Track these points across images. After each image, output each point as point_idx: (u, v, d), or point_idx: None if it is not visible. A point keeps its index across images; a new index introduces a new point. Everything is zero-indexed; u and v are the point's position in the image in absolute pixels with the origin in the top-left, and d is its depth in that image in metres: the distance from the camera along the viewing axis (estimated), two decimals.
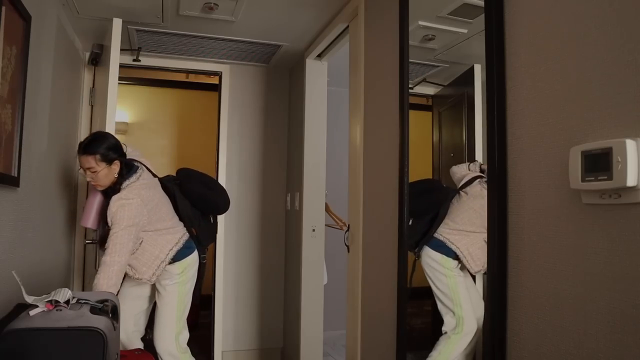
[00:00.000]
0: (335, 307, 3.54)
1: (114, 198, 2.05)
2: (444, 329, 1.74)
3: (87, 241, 2.89)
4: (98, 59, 3.05)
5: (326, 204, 3.37)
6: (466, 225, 1.74)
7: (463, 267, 1.73)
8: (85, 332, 1.38)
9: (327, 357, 3.68)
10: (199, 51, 3.28)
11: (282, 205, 3.66)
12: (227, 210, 2.55)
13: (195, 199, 2.39)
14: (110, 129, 2.36)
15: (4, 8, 1.56)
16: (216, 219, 2.58)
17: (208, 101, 4.28)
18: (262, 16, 2.72)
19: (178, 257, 2.24)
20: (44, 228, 2.30)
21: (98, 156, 2.06)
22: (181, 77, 4.59)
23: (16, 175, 1.77)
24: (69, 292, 1.58)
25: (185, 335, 2.34)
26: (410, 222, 1.89)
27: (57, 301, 1.50)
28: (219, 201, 2.50)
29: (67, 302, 1.54)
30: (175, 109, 4.90)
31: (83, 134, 3.15)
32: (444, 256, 1.77)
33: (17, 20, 1.73)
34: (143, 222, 2.08)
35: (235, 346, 3.48)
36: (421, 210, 1.90)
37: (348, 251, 2.44)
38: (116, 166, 2.10)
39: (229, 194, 2.55)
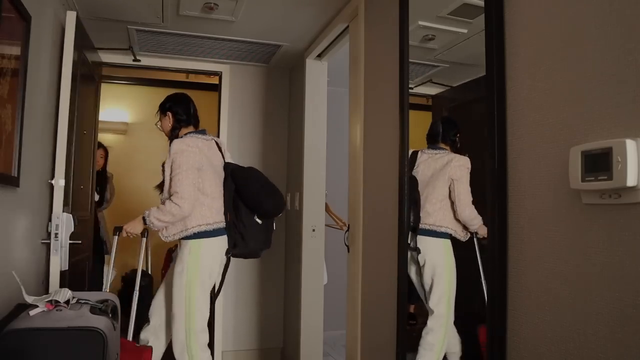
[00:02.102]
0: (335, 307, 3.54)
1: (175, 141, 2.23)
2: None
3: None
4: None
5: (326, 204, 3.37)
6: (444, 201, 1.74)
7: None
8: (85, 332, 1.39)
9: (327, 357, 3.68)
10: (199, 51, 3.29)
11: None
12: (275, 212, 2.38)
13: (245, 185, 2.30)
14: (62, 124, 2.23)
15: (3, 8, 1.56)
16: (269, 221, 2.39)
17: (208, 101, 4.27)
18: (262, 16, 2.72)
19: (198, 236, 2.19)
20: (44, 228, 2.30)
21: (159, 109, 2.40)
22: (181, 77, 4.59)
23: (16, 175, 1.77)
24: (69, 292, 1.58)
25: (201, 337, 2.21)
26: None
27: (57, 301, 1.50)
28: (266, 198, 2.32)
29: (67, 302, 1.54)
30: None
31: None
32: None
33: (17, 20, 1.73)
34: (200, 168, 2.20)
35: (235, 346, 3.48)
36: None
37: (348, 251, 2.44)
38: (170, 118, 2.35)
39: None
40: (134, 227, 2.27)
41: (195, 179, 2.17)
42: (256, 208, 2.31)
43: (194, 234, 2.18)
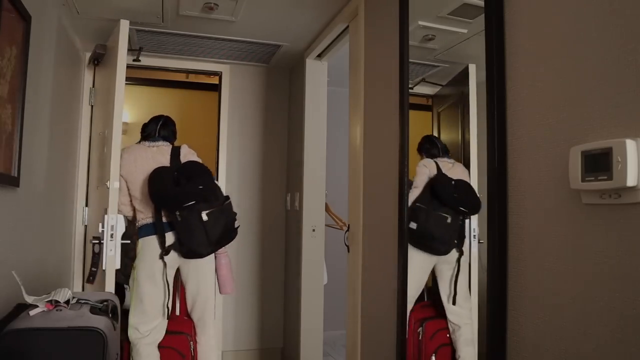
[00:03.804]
0: (335, 307, 3.54)
1: None
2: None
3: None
4: (100, 59, 3.04)
5: (326, 204, 3.37)
6: None
7: None
8: (85, 332, 1.39)
9: (327, 357, 3.68)
10: (199, 51, 3.28)
11: (282, 205, 3.66)
12: (167, 205, 2.27)
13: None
14: (117, 130, 2.31)
15: (4, 8, 1.56)
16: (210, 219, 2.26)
17: (208, 101, 4.27)
18: (262, 16, 2.72)
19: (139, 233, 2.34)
20: (44, 228, 2.30)
21: None
22: (181, 77, 4.58)
23: (16, 175, 1.77)
24: (69, 292, 1.58)
25: (138, 331, 2.23)
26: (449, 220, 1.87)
27: (57, 301, 1.50)
28: (161, 192, 2.26)
29: (67, 302, 1.54)
30: (175, 109, 4.88)
31: (83, 133, 3.15)
32: None
33: (17, 20, 1.73)
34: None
35: (235, 346, 3.48)
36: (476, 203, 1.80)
37: (348, 251, 2.44)
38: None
39: (227, 194, 2.46)
40: None
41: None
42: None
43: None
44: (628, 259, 0.94)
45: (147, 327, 2.25)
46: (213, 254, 2.41)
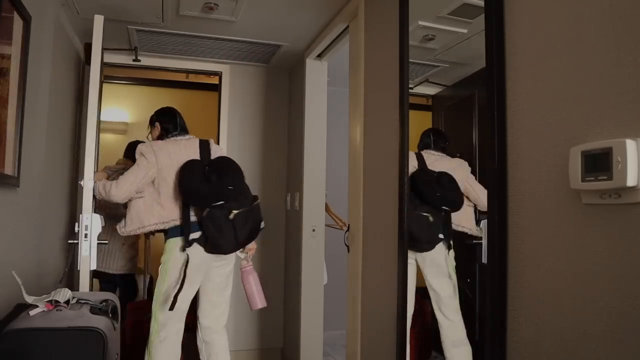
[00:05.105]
0: (335, 307, 3.54)
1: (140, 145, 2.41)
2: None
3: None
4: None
5: (326, 204, 3.37)
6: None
7: None
8: (85, 332, 1.39)
9: (327, 357, 3.68)
10: (199, 51, 3.29)
11: (282, 205, 3.66)
12: (202, 203, 2.26)
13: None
14: (91, 127, 2.24)
15: (3, 8, 1.56)
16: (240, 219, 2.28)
17: (208, 101, 4.27)
18: (262, 16, 2.72)
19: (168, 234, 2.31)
20: (44, 228, 2.30)
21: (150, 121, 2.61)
22: (181, 77, 4.59)
23: (16, 175, 1.77)
24: (69, 292, 1.58)
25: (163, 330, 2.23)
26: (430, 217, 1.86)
27: (57, 301, 1.51)
28: (195, 191, 2.25)
29: (67, 302, 1.54)
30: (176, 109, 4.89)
31: (83, 134, 3.14)
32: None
33: (17, 20, 1.73)
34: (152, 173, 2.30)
35: (235, 346, 3.48)
36: (456, 200, 1.75)
37: (348, 251, 2.44)
38: (157, 130, 2.54)
39: (255, 194, 2.45)
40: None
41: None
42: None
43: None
44: (628, 259, 0.94)
45: (178, 326, 2.27)
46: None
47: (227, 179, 2.28)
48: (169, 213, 2.28)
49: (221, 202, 2.23)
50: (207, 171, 2.27)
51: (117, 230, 2.32)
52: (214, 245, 2.26)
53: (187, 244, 2.24)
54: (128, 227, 2.29)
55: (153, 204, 2.29)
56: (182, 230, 2.27)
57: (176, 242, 2.27)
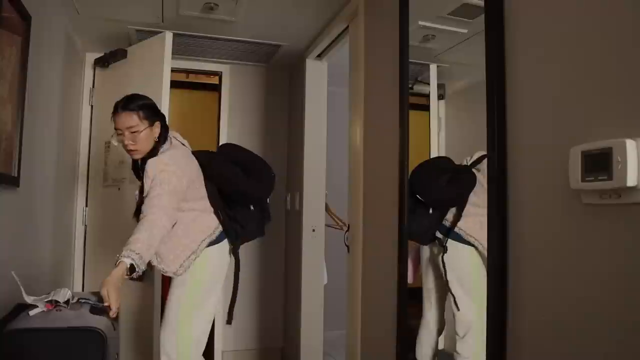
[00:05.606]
0: (335, 307, 3.53)
1: (153, 160, 1.80)
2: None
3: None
4: (110, 62, 3.03)
5: (326, 204, 3.37)
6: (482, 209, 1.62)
7: None
8: (84, 332, 1.39)
9: (327, 357, 3.67)
10: (199, 51, 3.28)
11: (282, 205, 3.66)
12: (261, 199, 2.21)
13: (218, 182, 2.04)
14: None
15: (4, 8, 1.56)
16: (262, 206, 2.24)
17: (208, 101, 4.27)
18: (262, 16, 2.72)
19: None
20: (44, 228, 2.30)
21: (141, 113, 1.82)
22: (181, 77, 4.58)
23: (16, 175, 1.77)
24: (69, 292, 1.58)
25: (193, 344, 2.02)
26: (430, 212, 1.83)
27: (57, 301, 1.51)
28: (252, 190, 2.13)
29: (67, 302, 1.54)
30: (175, 109, 4.88)
31: (83, 134, 3.15)
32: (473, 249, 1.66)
33: (17, 20, 1.73)
34: (182, 193, 1.84)
35: (235, 346, 3.48)
36: (452, 198, 1.71)
37: (348, 251, 2.44)
38: (157, 128, 1.89)
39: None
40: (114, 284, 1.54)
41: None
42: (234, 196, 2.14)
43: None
44: (628, 259, 0.94)
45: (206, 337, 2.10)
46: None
47: (258, 173, 2.23)
48: (212, 219, 2.06)
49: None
50: (241, 169, 2.18)
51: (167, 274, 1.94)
52: (251, 231, 2.21)
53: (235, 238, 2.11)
54: (172, 265, 1.89)
55: (189, 223, 1.95)
56: (227, 232, 2.06)
57: (223, 246, 2.06)
